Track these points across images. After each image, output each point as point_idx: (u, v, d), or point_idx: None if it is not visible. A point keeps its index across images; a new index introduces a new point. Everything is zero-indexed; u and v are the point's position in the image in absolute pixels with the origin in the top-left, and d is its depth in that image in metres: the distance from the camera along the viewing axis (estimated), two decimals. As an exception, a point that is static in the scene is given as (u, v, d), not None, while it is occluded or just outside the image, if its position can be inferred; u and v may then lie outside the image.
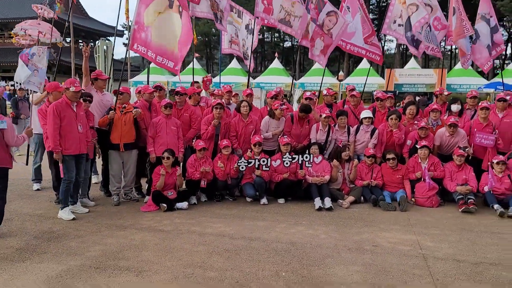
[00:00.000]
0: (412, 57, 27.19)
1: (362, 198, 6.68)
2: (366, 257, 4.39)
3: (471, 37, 9.15)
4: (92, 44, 51.29)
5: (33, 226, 5.22)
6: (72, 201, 5.65)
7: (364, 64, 26.38)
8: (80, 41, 51.35)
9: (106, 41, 31.69)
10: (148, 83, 7.84)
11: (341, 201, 6.50)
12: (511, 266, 4.17)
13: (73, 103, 5.45)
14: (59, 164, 5.52)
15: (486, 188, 6.22)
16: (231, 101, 7.88)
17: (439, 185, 6.58)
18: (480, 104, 6.97)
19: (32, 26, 8.92)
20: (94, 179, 7.34)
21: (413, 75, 24.18)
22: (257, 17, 8.17)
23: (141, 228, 5.25)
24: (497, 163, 6.26)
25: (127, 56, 34.51)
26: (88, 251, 4.42)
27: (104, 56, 28.74)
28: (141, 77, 29.72)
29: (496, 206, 5.96)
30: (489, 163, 6.42)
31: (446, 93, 8.07)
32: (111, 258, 4.24)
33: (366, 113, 7.19)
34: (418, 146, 6.70)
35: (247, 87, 10.14)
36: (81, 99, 5.77)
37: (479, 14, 8.90)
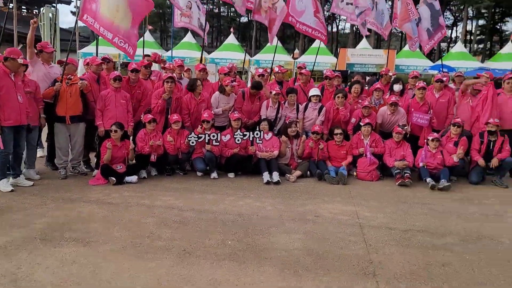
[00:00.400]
0: (364, 38, 27.93)
1: (308, 172, 6.99)
2: (308, 227, 4.67)
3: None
4: (37, 11, 48.30)
5: (-27, 199, 5.09)
6: (14, 174, 5.53)
7: (318, 43, 26.77)
8: (23, 7, 48.15)
9: (52, 8, 29.99)
10: (97, 55, 7.63)
11: (288, 175, 6.78)
12: (435, 233, 4.61)
13: (11, 73, 5.26)
14: None
15: (420, 163, 6.70)
16: (183, 76, 7.87)
17: (380, 160, 7.01)
18: (417, 84, 7.39)
19: None
20: (39, 153, 7.14)
21: (364, 55, 24.89)
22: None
23: (89, 201, 5.26)
24: (432, 140, 6.74)
25: (76, 25, 32.80)
26: (33, 223, 4.40)
27: (49, 24, 27.24)
28: (91, 48, 28.49)
29: (428, 179, 6.47)
30: (425, 140, 6.89)
31: (391, 73, 8.49)
32: (57, 230, 4.25)
33: (314, 91, 7.45)
34: (361, 124, 7.06)
35: (200, 62, 10.12)
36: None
37: None
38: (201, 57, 10.58)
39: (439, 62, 25.88)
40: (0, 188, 5.33)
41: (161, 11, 50.59)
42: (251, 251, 3.96)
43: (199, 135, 6.51)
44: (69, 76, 6.05)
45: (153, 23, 47.42)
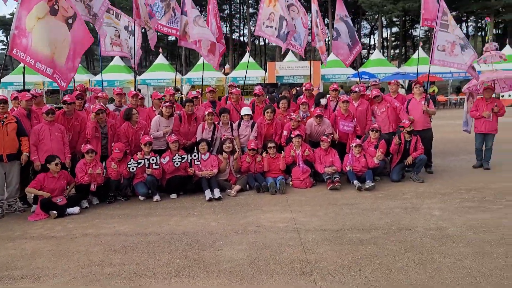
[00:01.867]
0: (290, 50, 29.27)
1: (247, 186, 7.40)
2: (250, 237, 5.05)
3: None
4: None
5: None
6: None
7: (247, 57, 27.62)
8: None
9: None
10: (24, 85, 7.50)
11: (229, 190, 7.13)
12: (362, 229, 5.19)
13: None
14: None
15: (348, 168, 7.37)
16: (122, 104, 8.00)
17: (311, 168, 7.60)
18: (341, 97, 8.13)
19: None
20: None
21: (291, 68, 26.10)
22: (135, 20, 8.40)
23: (32, 237, 5.24)
24: (355, 146, 7.45)
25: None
26: (-24, 267, 4.36)
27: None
28: (11, 77, 27.21)
29: (355, 182, 7.13)
30: (352, 145, 7.58)
31: (315, 88, 9.18)
32: (2, 270, 4.26)
33: (245, 111, 7.90)
34: (292, 136, 7.62)
35: (134, 85, 10.25)
36: None
37: (338, 15, 10.22)
38: (135, 83, 10.67)
39: (360, 69, 27.77)
40: None
41: (84, 33, 49.12)
42: (198, 266, 4.25)
43: (139, 161, 6.68)
44: (5, 115, 5.99)
45: (77, 46, 45.89)
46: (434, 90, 26.12)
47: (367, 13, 45.55)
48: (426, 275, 3.90)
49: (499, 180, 7.47)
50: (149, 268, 4.22)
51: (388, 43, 53.06)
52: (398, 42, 53.93)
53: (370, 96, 8.42)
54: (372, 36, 59.80)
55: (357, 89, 8.19)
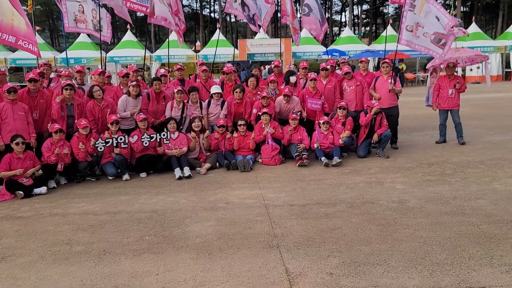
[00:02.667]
0: (260, 28, 29.05)
1: (217, 164, 7.46)
2: (219, 213, 5.15)
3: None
4: None
5: None
6: None
7: (217, 35, 27.27)
8: None
9: None
10: None
11: (198, 168, 7.18)
12: (328, 203, 5.37)
13: None
14: None
15: (315, 145, 7.53)
16: (85, 82, 7.81)
17: (280, 146, 7.72)
18: (309, 75, 8.21)
19: None
20: None
21: (262, 45, 25.97)
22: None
23: (-3, 218, 5.18)
24: (323, 123, 7.60)
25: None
26: None
27: None
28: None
29: (323, 158, 7.32)
30: (316, 122, 7.72)
31: (287, 66, 9.24)
32: (-33, 251, 4.21)
33: (215, 89, 7.89)
34: (260, 113, 7.68)
35: (101, 63, 10.02)
36: None
37: None
38: (101, 60, 10.41)
39: (331, 47, 27.92)
40: None
41: (47, 8, 47.10)
42: (168, 243, 4.32)
43: (107, 140, 6.61)
44: None
45: (40, 23, 44.08)
46: (402, 68, 26.64)
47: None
48: (386, 245, 4.10)
49: (460, 154, 7.82)
50: (118, 246, 4.26)
51: (358, 21, 53.41)
52: (369, 20, 54.31)
53: (341, 73, 8.52)
54: (343, 13, 59.97)
55: (328, 67, 8.28)
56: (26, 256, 4.07)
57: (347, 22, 49.79)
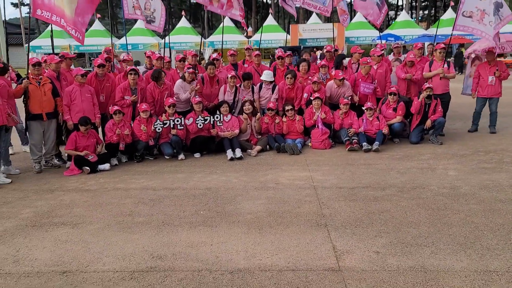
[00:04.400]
0: (314, 12, 28.63)
1: (268, 146, 7.65)
2: (269, 193, 5.34)
3: None
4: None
5: (-44, 198, 5.41)
6: (-7, 172, 5.86)
7: (270, 21, 27.27)
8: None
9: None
10: (53, 48, 7.79)
11: (249, 150, 7.41)
12: (377, 187, 5.41)
13: None
14: None
15: (359, 130, 7.50)
16: (152, 66, 8.29)
17: (330, 130, 7.77)
18: (362, 60, 8.14)
19: None
20: (26, 148, 7.57)
21: (315, 30, 25.59)
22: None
23: (68, 190, 5.69)
24: (367, 109, 7.54)
25: (22, 19, 31.60)
26: (20, 214, 4.82)
27: (-8, 19, 26.26)
28: (39, 41, 27.70)
29: (364, 144, 7.28)
30: (363, 108, 7.66)
31: (331, 49, 9.14)
32: (44, 217, 4.70)
33: (267, 77, 7.99)
34: (312, 98, 7.75)
35: (159, 49, 10.44)
36: None
37: None
38: (164, 47, 10.78)
39: (386, 31, 27.04)
40: None
41: (108, -4, 49.06)
42: (221, 217, 4.58)
43: (164, 121, 6.99)
44: (40, 76, 6.34)
45: (100, 10, 46.07)
46: (462, 52, 25.32)
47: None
48: (435, 228, 4.11)
49: (519, 143, 7.49)
50: (175, 218, 4.58)
51: (416, 4, 51.03)
52: (428, 3, 51.77)
53: (405, 60, 8.31)
54: (399, -3, 57.50)
55: (381, 52, 8.17)
56: (95, 224, 4.49)
57: (404, 6, 47.75)
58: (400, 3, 57.65)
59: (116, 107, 6.81)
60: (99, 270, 3.49)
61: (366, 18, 10.54)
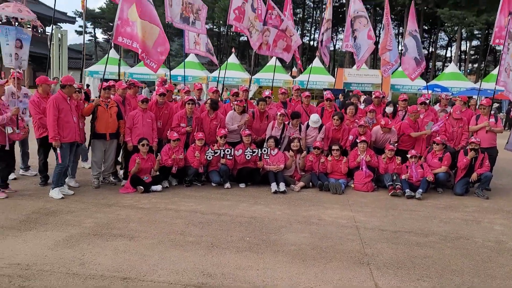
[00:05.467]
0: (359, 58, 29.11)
1: (311, 183, 7.86)
2: (312, 228, 5.53)
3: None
4: (41, 29, 49.72)
5: (27, 204, 5.94)
6: (60, 183, 6.38)
7: (316, 63, 27.93)
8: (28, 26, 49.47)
9: (61, 29, 31.28)
10: (104, 74, 8.45)
11: (293, 185, 7.64)
12: (420, 233, 5.47)
13: (68, 97, 6.21)
14: (57, 151, 6.21)
15: (403, 176, 7.57)
16: (200, 98, 8.82)
17: (374, 173, 7.90)
18: (410, 108, 8.34)
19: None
20: (85, 165, 8.26)
21: (360, 75, 25.93)
22: (230, 25, 9.17)
23: (124, 206, 6.10)
24: (411, 157, 7.65)
25: (84, 45, 33.70)
26: (83, 223, 5.25)
27: (58, 44, 28.45)
28: (97, 67, 29.59)
29: (407, 191, 7.33)
30: (407, 155, 7.75)
31: (379, 95, 9.42)
32: (104, 228, 5.10)
33: (313, 124, 8.33)
34: (358, 141, 7.96)
35: (207, 82, 11.08)
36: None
37: (408, 31, 10.44)
38: (224, 88, 11.48)
39: (432, 82, 27.03)
40: (53, 196, 6.20)
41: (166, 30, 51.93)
42: (266, 245, 4.81)
43: (215, 151, 7.40)
44: (108, 100, 6.97)
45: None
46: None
47: (445, 24, 43.82)
48: (479, 279, 4.15)
49: None
50: (223, 242, 4.85)
51: (466, 57, 50.64)
52: (478, 56, 51.27)
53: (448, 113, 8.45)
54: (449, 48, 57.40)
55: (426, 101, 8.34)
56: (149, 239, 4.82)
57: (452, 58, 47.57)
58: (449, 54, 57.41)
59: (176, 135, 7.28)
60: (156, 281, 3.78)
61: (404, 71, 10.97)
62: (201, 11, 9.30)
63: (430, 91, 23.35)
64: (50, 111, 6.09)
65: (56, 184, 6.27)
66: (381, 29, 10.86)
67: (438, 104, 9.57)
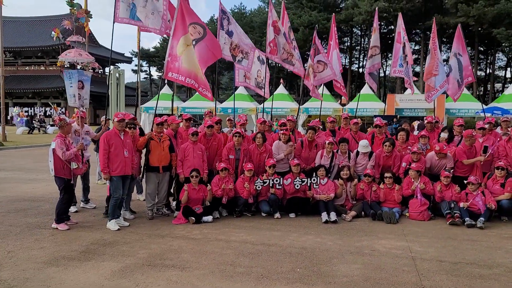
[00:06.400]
0: (413, 82, 28.45)
1: (363, 213, 7.66)
2: (365, 259, 5.35)
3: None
4: (101, 70, 53.39)
5: (87, 235, 6.25)
6: (116, 215, 6.67)
7: (366, 90, 27.63)
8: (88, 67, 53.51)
9: (118, 68, 33.44)
10: (156, 109, 8.84)
11: (344, 215, 7.48)
12: (483, 265, 5.13)
13: (121, 132, 6.58)
14: (107, 183, 6.57)
15: (462, 205, 7.17)
16: (246, 129, 9.01)
17: (430, 201, 7.56)
18: (465, 132, 8.00)
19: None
20: (140, 197, 8.62)
21: (413, 100, 25.28)
22: (267, 58, 9.45)
23: (176, 236, 6.25)
24: (468, 183, 7.25)
25: (138, 83, 35.77)
26: (138, 253, 5.42)
27: (116, 83, 30.38)
28: (151, 103, 31.07)
29: (467, 219, 6.92)
30: (465, 182, 7.36)
31: (432, 120, 9.12)
32: (157, 259, 5.24)
33: (363, 148, 8.22)
34: (410, 168, 7.70)
35: (256, 113, 11.29)
36: (127, 127, 6.90)
37: (453, 52, 10.21)
38: (262, 111, 11.69)
39: (491, 104, 25.79)
40: (110, 227, 6.50)
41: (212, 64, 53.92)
42: (317, 277, 4.71)
43: (264, 180, 7.45)
44: (161, 134, 7.30)
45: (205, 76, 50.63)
46: None
47: (503, 44, 42.01)
48: (552, 316, 3.80)
49: None
50: (273, 273, 4.81)
51: (527, 76, 47.98)
52: (540, 75, 48.42)
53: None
54: (508, 68, 54.65)
55: (486, 126, 7.98)
56: (201, 270, 4.89)
57: None
58: (508, 75, 54.64)
59: (222, 165, 7.45)
60: (206, 311, 3.80)
61: (446, 92, 10.78)
62: (249, 53, 9.64)
63: (489, 114, 22.24)
64: (101, 146, 6.51)
65: (112, 216, 6.56)
66: (428, 53, 10.67)
67: (499, 127, 9.09)
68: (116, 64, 56.68)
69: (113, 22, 7.95)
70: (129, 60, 62.68)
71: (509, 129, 8.34)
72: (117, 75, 30.31)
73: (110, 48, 8.74)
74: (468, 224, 6.87)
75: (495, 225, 7.04)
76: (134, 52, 64.20)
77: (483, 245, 5.96)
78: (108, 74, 31.10)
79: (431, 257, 5.41)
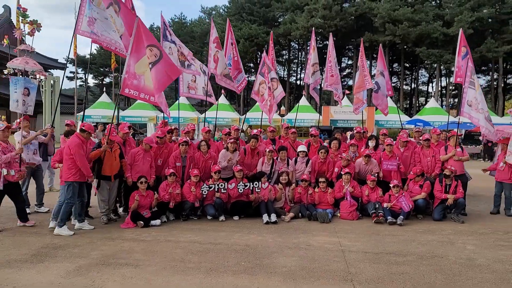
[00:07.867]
0: (345, 96, 30.36)
1: (300, 214, 8.40)
2: (301, 252, 6.03)
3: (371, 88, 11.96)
4: (44, 78, 50.86)
5: (35, 240, 6.37)
6: (80, 219, 6.98)
7: (303, 101, 29.04)
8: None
9: (52, 75, 32.21)
10: (117, 118, 9.01)
11: (283, 216, 8.17)
12: (399, 254, 6.01)
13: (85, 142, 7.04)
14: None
15: (385, 205, 8.18)
16: (193, 137, 9.48)
17: (358, 203, 8.49)
18: (386, 141, 9.06)
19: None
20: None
21: (346, 112, 26.94)
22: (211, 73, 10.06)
23: (126, 239, 6.56)
24: (393, 186, 8.29)
25: (76, 91, 34.68)
26: (90, 254, 5.69)
27: (50, 90, 29.29)
28: (89, 111, 30.27)
29: (389, 217, 7.92)
30: (390, 185, 8.40)
31: (360, 130, 10.19)
32: (110, 258, 5.55)
33: (301, 148, 9.04)
34: (342, 173, 8.59)
35: (202, 122, 11.73)
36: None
37: (378, 71, 11.47)
38: (204, 119, 12.15)
39: (415, 117, 28.15)
40: (63, 233, 6.65)
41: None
42: (260, 268, 5.30)
43: (210, 185, 7.95)
44: (112, 144, 7.55)
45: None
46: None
47: (425, 62, 45.95)
48: (449, 290, 4.68)
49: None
50: (221, 266, 5.33)
51: (446, 92, 52.61)
52: (457, 91, 53.33)
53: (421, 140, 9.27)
54: (430, 84, 59.59)
55: (406, 139, 9.17)
56: (153, 266, 5.29)
57: (433, 93, 49.45)
58: (430, 90, 59.52)
59: (171, 170, 7.86)
60: (162, 299, 4.24)
61: (377, 107, 12.17)
62: (195, 61, 10.14)
63: (413, 126, 24.36)
64: (77, 151, 6.85)
65: (63, 222, 6.73)
66: (357, 70, 11.87)
67: (414, 137, 10.36)
68: (49, 70, 54.22)
69: (73, 33, 8.18)
70: (62, 67, 60.07)
71: (421, 138, 9.53)
72: (51, 82, 29.25)
73: (45, 55, 8.85)
74: (389, 222, 7.84)
75: (412, 222, 8.08)
76: (68, 58, 61.75)
77: (401, 239, 6.90)
78: (40, 80, 29.95)
79: (357, 249, 6.21)
